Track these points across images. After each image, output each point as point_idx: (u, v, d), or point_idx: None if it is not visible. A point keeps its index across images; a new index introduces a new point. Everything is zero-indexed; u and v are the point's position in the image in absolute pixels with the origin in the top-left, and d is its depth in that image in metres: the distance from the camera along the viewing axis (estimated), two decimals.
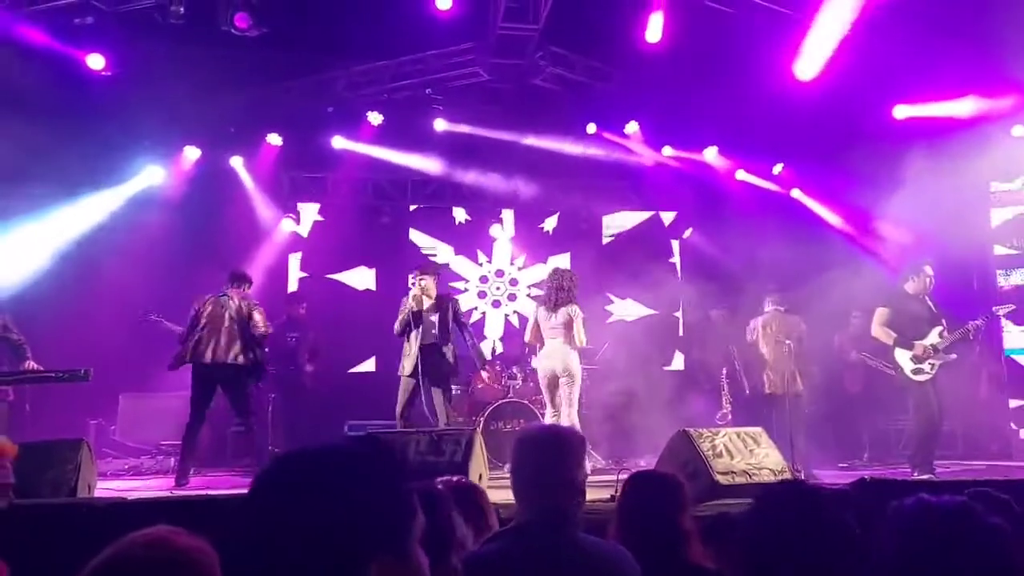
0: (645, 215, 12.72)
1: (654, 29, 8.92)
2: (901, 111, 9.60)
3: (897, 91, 9.48)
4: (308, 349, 10.14)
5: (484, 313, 12.42)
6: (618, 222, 12.70)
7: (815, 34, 8.61)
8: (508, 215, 12.48)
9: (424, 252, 12.16)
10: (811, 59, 8.79)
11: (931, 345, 7.39)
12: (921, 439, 7.48)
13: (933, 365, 7.38)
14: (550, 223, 12.58)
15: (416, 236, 12.30)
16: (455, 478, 3.22)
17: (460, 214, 12.43)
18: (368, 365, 11.53)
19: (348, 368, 11.39)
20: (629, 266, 11.21)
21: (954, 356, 7.44)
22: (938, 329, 7.46)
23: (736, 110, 9.84)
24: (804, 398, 8.61)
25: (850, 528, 1.99)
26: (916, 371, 7.41)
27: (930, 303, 7.64)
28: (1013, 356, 9.89)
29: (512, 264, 12.56)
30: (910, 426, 8.13)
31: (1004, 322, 9.61)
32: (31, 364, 7.68)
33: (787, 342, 8.42)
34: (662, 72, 9.67)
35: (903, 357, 7.47)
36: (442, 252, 12.33)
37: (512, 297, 12.49)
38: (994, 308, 8.16)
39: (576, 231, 12.27)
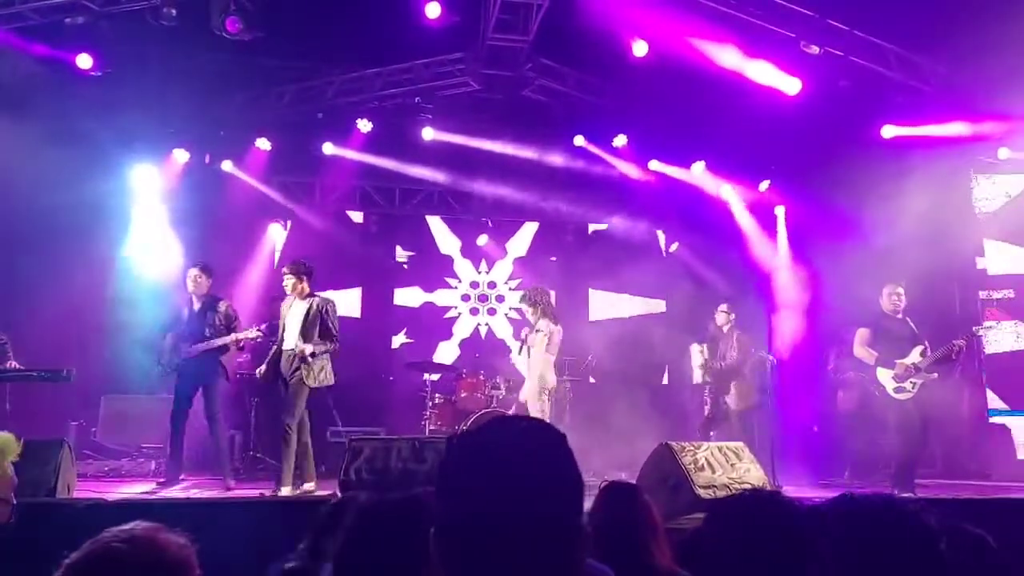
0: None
1: (639, 46, 9.06)
2: (889, 131, 9.64)
3: (885, 111, 9.55)
4: None
5: (460, 313, 12.50)
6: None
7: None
8: (531, 228, 12.63)
9: (436, 241, 12.48)
10: (778, 81, 8.96)
11: (912, 364, 7.42)
12: (903, 458, 7.52)
13: (915, 384, 7.41)
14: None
15: (434, 222, 12.49)
16: None
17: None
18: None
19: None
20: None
21: (936, 375, 7.45)
22: (919, 348, 7.50)
23: (725, 126, 9.87)
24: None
25: (806, 533, 1.96)
26: (898, 390, 7.45)
27: (911, 323, 7.69)
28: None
29: (507, 283, 12.63)
30: (893, 445, 8.15)
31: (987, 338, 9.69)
32: (12, 363, 7.65)
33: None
34: (651, 86, 9.71)
35: (885, 376, 7.50)
36: (451, 245, 12.53)
37: (492, 312, 12.55)
38: (975, 328, 8.23)
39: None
